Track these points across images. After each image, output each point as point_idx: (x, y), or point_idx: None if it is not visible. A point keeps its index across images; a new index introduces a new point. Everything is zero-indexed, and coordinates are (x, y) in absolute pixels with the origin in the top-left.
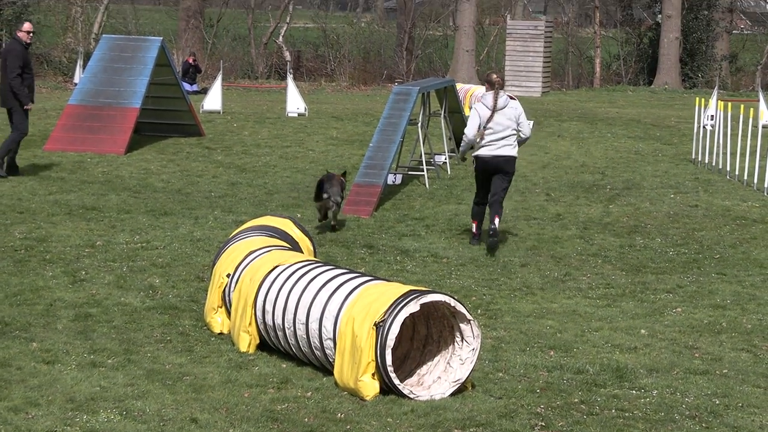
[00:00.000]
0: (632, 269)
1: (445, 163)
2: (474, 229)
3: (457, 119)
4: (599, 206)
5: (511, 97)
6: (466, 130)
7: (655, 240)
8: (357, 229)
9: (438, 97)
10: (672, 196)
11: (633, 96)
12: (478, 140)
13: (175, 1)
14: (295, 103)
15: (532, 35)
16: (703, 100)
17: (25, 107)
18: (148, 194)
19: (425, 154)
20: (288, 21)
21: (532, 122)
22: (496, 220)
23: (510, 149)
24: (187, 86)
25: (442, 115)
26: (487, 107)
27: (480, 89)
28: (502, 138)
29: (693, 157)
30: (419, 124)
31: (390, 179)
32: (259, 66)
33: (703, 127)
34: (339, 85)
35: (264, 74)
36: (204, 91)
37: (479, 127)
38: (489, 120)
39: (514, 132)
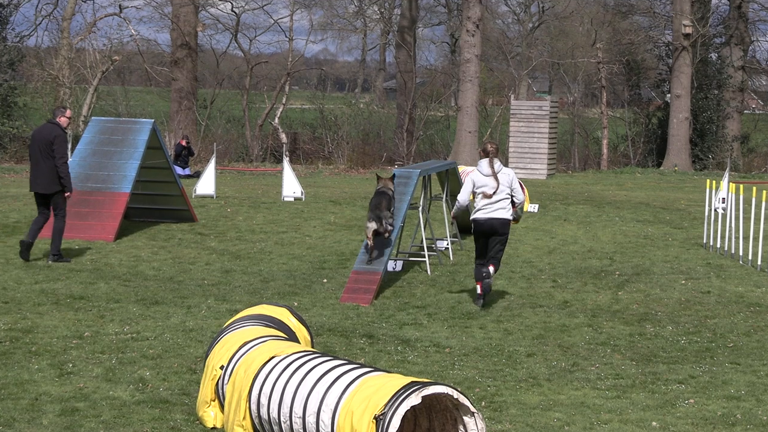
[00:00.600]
0: (643, 359)
1: (447, 248)
2: (479, 290)
3: None
4: (608, 293)
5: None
6: (459, 196)
7: (666, 328)
8: (356, 318)
9: (440, 180)
10: (683, 282)
11: (641, 178)
12: (475, 204)
13: (167, 82)
14: (291, 186)
15: (536, 116)
16: (714, 182)
17: (67, 194)
18: (139, 282)
19: (426, 239)
20: (284, 102)
21: (537, 206)
22: (491, 268)
23: (504, 212)
24: (179, 170)
25: (444, 199)
26: (482, 174)
27: None
28: (497, 201)
29: (704, 241)
30: (420, 208)
31: (390, 266)
32: (254, 149)
33: (715, 210)
34: (337, 168)
35: (259, 157)
36: (197, 175)
37: (471, 193)
38: (493, 187)
39: (508, 196)
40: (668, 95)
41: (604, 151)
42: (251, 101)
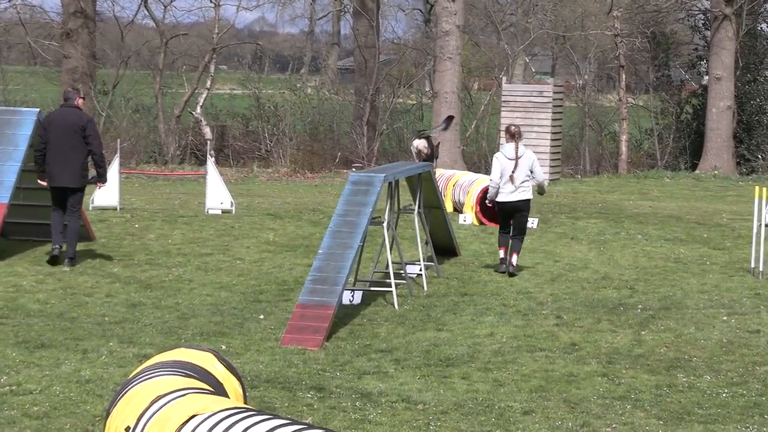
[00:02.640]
0: (673, 417)
1: (420, 275)
2: (502, 255)
3: (436, 217)
4: (628, 333)
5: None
6: (491, 177)
7: (703, 378)
8: (302, 366)
9: (410, 188)
10: (725, 318)
11: (671, 185)
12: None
13: (57, 60)
14: (217, 196)
15: (535, 104)
16: (764, 189)
17: (100, 185)
18: (19, 320)
19: (393, 263)
20: (209, 86)
21: (536, 220)
22: (515, 258)
23: (526, 193)
24: None
25: (416, 212)
26: (507, 157)
27: (469, 175)
28: (521, 183)
29: (751, 265)
30: (385, 224)
31: (346, 298)
32: (170, 146)
33: (765, 225)
34: (277, 172)
35: (176, 158)
36: (95, 181)
37: (502, 175)
38: (514, 169)
39: (528, 178)
40: (705, 77)
41: (623, 149)
42: (166, 85)
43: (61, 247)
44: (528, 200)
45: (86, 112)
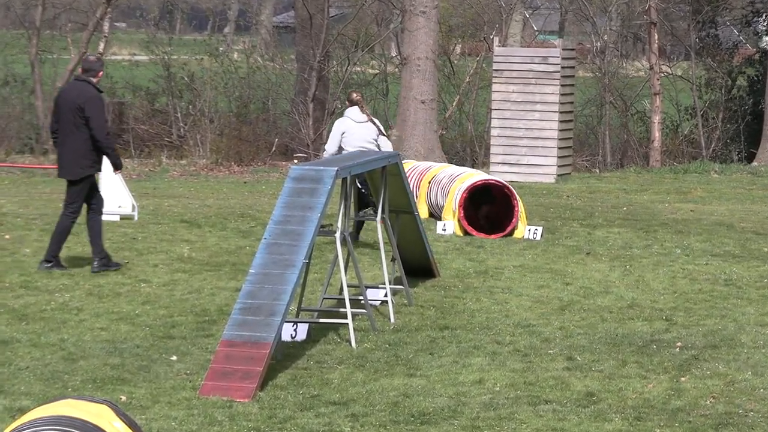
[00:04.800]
0: None
1: (385, 302)
2: None
3: (406, 225)
4: (662, 379)
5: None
6: (327, 146)
7: None
8: (228, 423)
9: (372, 186)
10: None
11: (720, 182)
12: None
13: None
14: (114, 197)
15: (538, 74)
16: None
17: (116, 171)
18: None
19: (350, 287)
20: (102, 50)
21: (540, 229)
22: None
23: None
24: None
25: (379, 217)
26: (353, 120)
27: (450, 168)
28: (370, 149)
29: None
30: (338, 235)
31: (287, 333)
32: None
33: None
34: (193, 165)
35: None
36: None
37: (340, 141)
38: (352, 134)
39: (374, 147)
40: (766, 39)
41: (656, 134)
42: (45, 49)
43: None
44: None
45: (92, 87)
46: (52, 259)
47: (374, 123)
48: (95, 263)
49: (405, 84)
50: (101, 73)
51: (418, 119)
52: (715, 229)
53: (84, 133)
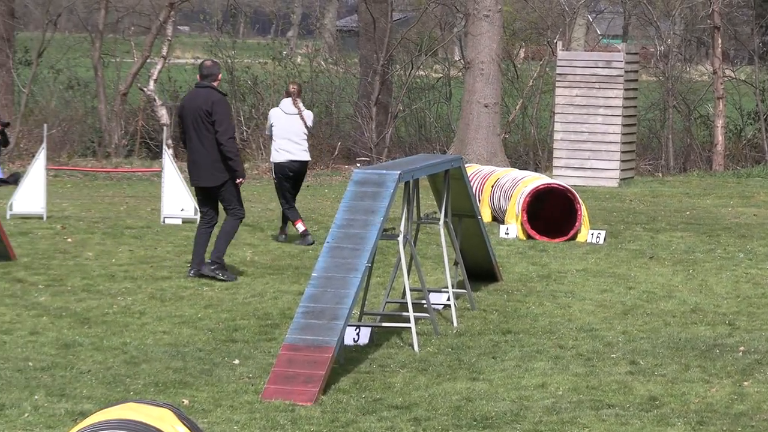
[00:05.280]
0: None
1: (448, 306)
2: (302, 227)
3: (469, 228)
4: (725, 383)
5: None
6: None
7: None
8: (290, 426)
9: (435, 190)
10: None
11: None
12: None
13: None
14: (177, 200)
15: (602, 78)
16: None
17: (239, 180)
18: None
19: (412, 291)
20: (165, 54)
21: (603, 233)
22: (299, 225)
23: (305, 154)
24: None
25: (442, 221)
26: (282, 111)
27: (513, 172)
28: (297, 143)
29: None
30: (401, 238)
31: (349, 337)
32: (114, 134)
33: None
34: (256, 168)
35: (122, 149)
36: (14, 180)
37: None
38: (279, 125)
39: (307, 137)
40: None
41: (719, 138)
42: (108, 52)
43: (198, 271)
44: (307, 162)
45: (216, 91)
46: (219, 261)
47: (302, 118)
48: (207, 266)
49: (468, 88)
50: (220, 75)
51: (481, 123)
52: None
53: (213, 139)
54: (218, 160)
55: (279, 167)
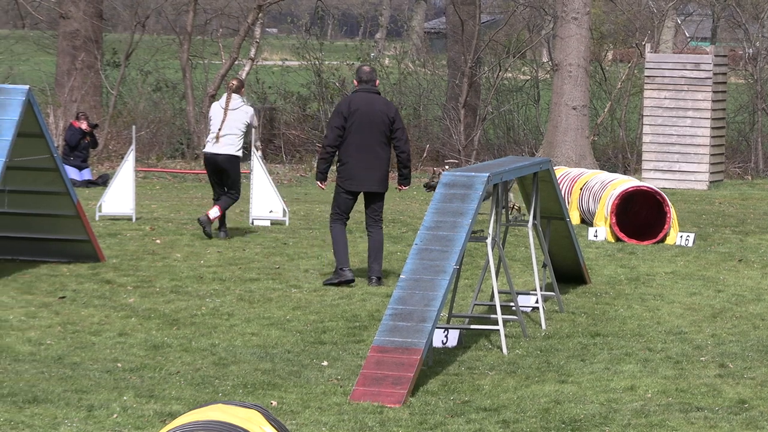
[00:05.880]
0: None
1: (536, 309)
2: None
3: (558, 231)
4: None
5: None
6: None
7: None
8: (379, 428)
9: (523, 192)
10: None
11: None
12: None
13: (52, 21)
14: (266, 202)
15: (690, 80)
16: None
17: (401, 187)
18: (4, 366)
19: (501, 293)
20: (253, 56)
21: (692, 236)
22: (213, 210)
23: (232, 149)
24: (73, 172)
25: (531, 223)
26: (220, 106)
27: (602, 175)
28: (225, 137)
29: None
30: (489, 240)
31: (438, 339)
32: (202, 136)
33: None
34: None
35: None
36: (103, 182)
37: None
38: (222, 120)
39: (240, 133)
40: None
41: None
42: (196, 54)
43: (349, 269)
44: (234, 157)
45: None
46: (381, 274)
47: (236, 114)
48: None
49: (556, 90)
50: (378, 82)
51: (569, 125)
52: None
53: (388, 146)
54: (388, 167)
55: (204, 159)
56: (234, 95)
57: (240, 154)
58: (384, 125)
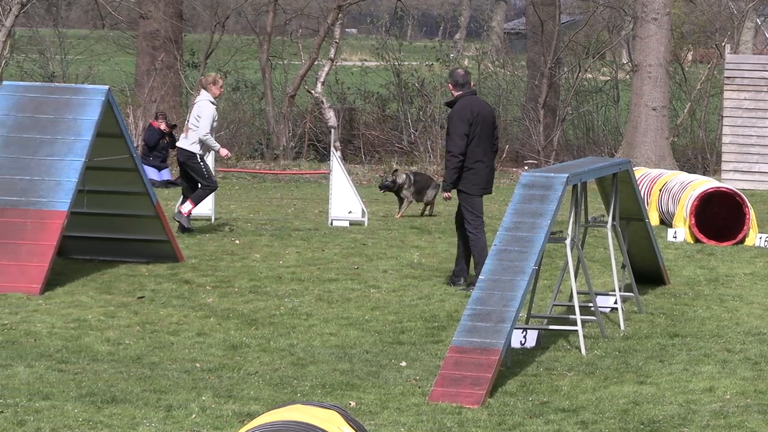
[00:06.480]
0: None
1: (615, 309)
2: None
3: (637, 232)
4: None
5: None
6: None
7: None
8: (457, 429)
9: (603, 193)
10: None
11: None
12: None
13: (132, 21)
14: (345, 202)
15: None
16: None
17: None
18: (83, 365)
19: (579, 294)
20: (333, 56)
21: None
22: (185, 205)
23: (185, 142)
24: (152, 173)
25: (609, 224)
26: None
27: (681, 176)
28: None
29: None
30: (569, 241)
31: (516, 340)
32: (281, 136)
33: None
34: (424, 170)
35: (290, 151)
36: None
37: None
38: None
39: (194, 128)
40: None
41: None
42: (276, 55)
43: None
44: (185, 150)
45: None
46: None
47: (194, 108)
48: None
49: (636, 91)
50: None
51: (649, 126)
52: None
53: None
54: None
55: None
56: (203, 90)
57: (193, 148)
58: (494, 127)
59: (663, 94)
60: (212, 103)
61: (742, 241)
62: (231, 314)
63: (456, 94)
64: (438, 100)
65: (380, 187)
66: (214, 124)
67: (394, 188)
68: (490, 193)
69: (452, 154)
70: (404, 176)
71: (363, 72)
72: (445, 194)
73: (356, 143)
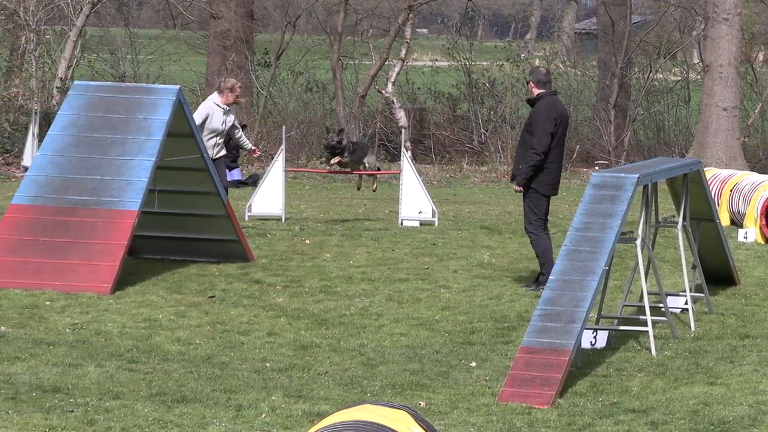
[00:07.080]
0: None
1: (685, 310)
2: None
3: (708, 232)
4: None
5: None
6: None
7: None
8: (527, 429)
9: (672, 193)
10: None
11: None
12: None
13: (203, 21)
14: (415, 202)
15: None
16: None
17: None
18: (153, 365)
19: (650, 294)
20: (403, 56)
21: None
22: None
23: None
24: None
25: (680, 224)
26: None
27: (752, 176)
28: None
29: None
30: (639, 242)
31: (587, 340)
32: (352, 136)
33: None
34: (494, 171)
35: None
36: (253, 182)
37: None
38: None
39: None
40: None
41: None
42: (347, 55)
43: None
44: None
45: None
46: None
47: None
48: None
49: (707, 91)
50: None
51: (719, 127)
52: None
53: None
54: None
55: None
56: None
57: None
58: (566, 129)
59: (734, 95)
60: (218, 106)
61: None
62: (301, 314)
63: (538, 92)
64: (509, 101)
65: (326, 147)
66: (223, 127)
67: (339, 149)
68: (557, 194)
69: (536, 151)
70: (346, 140)
71: (434, 72)
72: (517, 188)
73: (427, 143)
